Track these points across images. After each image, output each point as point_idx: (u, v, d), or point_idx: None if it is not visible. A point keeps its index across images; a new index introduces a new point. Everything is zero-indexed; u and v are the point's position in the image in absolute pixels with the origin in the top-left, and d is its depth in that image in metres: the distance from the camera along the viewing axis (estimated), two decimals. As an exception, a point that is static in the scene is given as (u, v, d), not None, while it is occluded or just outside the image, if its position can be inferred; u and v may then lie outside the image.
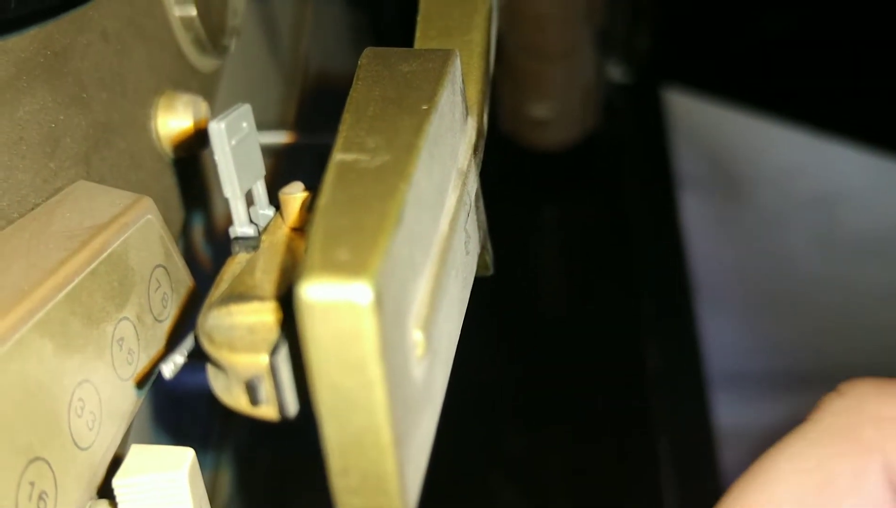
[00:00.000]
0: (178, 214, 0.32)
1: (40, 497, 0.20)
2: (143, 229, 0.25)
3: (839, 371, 0.72)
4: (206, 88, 0.35)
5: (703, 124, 0.80)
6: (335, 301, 0.16)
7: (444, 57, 0.24)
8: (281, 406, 0.18)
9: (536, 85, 0.73)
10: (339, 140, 0.20)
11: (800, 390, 0.73)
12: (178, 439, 0.38)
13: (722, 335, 0.73)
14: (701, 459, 0.66)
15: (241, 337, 0.19)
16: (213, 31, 0.34)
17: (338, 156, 0.19)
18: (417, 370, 0.19)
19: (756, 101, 0.78)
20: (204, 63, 0.35)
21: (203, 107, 0.32)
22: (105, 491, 0.23)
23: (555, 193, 0.80)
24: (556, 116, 0.74)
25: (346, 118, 0.21)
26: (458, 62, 0.24)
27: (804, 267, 0.76)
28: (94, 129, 0.27)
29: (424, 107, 0.21)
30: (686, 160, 0.79)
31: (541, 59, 0.72)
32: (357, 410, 0.16)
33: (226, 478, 0.43)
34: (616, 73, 0.81)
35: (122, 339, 0.24)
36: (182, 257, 0.28)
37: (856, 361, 0.73)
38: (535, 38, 0.72)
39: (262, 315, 0.19)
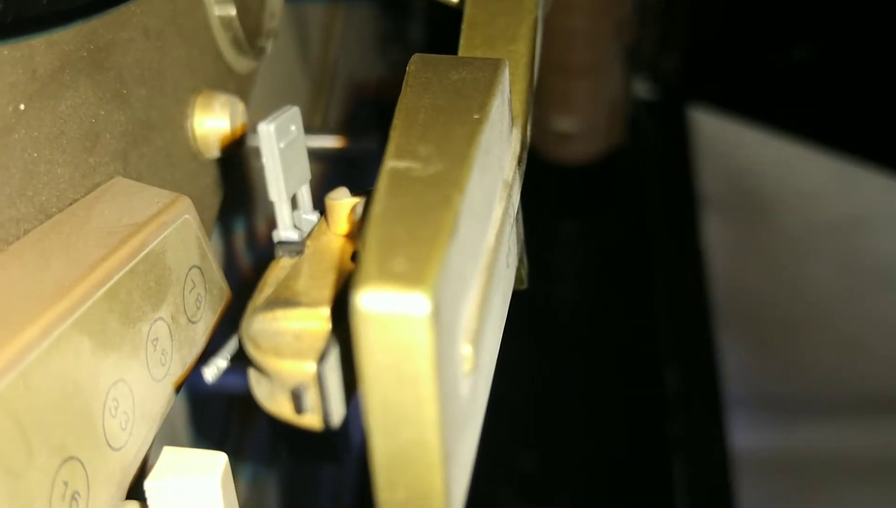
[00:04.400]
0: (211, 215, 0.32)
1: (73, 498, 0.20)
2: (180, 228, 0.25)
3: (858, 398, 0.71)
4: (242, 88, 0.35)
5: (727, 144, 0.79)
6: (392, 312, 0.15)
7: (494, 66, 0.23)
8: (326, 416, 0.18)
9: (562, 99, 0.73)
10: (391, 147, 0.19)
11: (817, 415, 0.72)
12: (197, 441, 0.38)
13: (740, 358, 0.72)
14: (716, 482, 0.66)
15: (288, 344, 0.18)
16: (250, 32, 0.34)
17: (390, 163, 0.19)
18: (464, 385, 0.18)
19: (781, 122, 0.77)
20: (240, 64, 0.34)
21: (240, 108, 0.32)
22: (135, 493, 0.23)
23: (576, 208, 0.79)
24: (580, 130, 0.74)
25: (397, 125, 0.20)
26: (507, 72, 0.24)
27: (825, 291, 0.76)
28: (133, 125, 0.27)
29: (476, 116, 0.21)
30: (709, 180, 0.78)
31: (568, 74, 0.72)
32: (408, 424, 0.16)
33: (242, 483, 0.42)
34: (642, 89, 0.80)
35: (156, 339, 0.24)
36: (216, 259, 0.27)
37: (875, 388, 0.73)
38: (563, 53, 0.71)
39: (310, 322, 0.19)
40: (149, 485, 0.21)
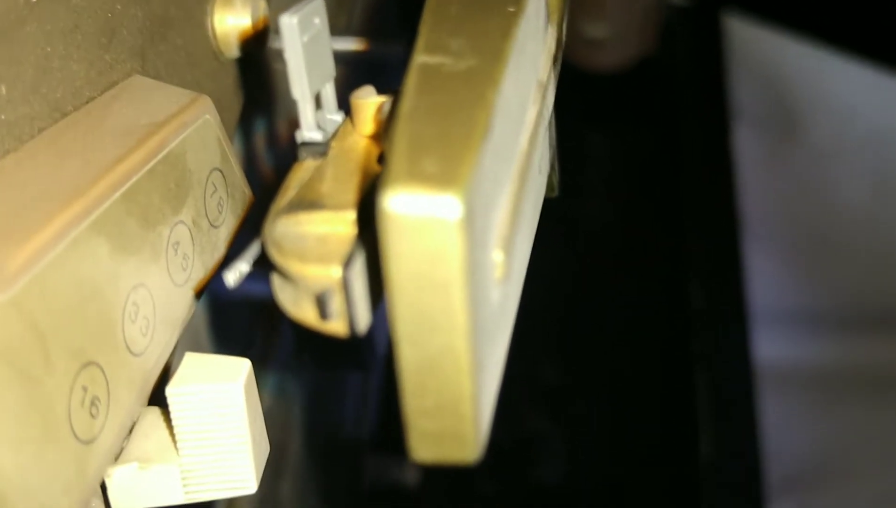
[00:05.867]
0: (232, 116, 0.31)
1: (92, 403, 0.19)
2: (200, 129, 0.24)
3: (885, 313, 0.70)
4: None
5: (762, 54, 0.77)
6: (422, 215, 0.14)
7: (530, -42, 0.22)
8: (352, 322, 0.17)
9: (593, 4, 0.70)
10: (421, 41, 0.18)
11: (843, 331, 0.72)
12: (221, 348, 0.38)
13: (768, 273, 0.71)
14: (739, 395, 0.66)
15: (312, 248, 0.17)
16: (273, -74, 0.33)
17: (420, 58, 0.18)
18: (495, 293, 0.17)
19: (819, 32, 0.75)
20: (262, -40, 0.33)
21: (261, 5, 0.30)
22: (156, 399, 0.22)
23: (606, 117, 0.77)
24: (611, 36, 0.71)
25: (427, 18, 0.19)
26: (543, -35, 0.23)
27: (855, 207, 0.74)
28: (151, 21, 0.26)
29: (511, 9, 0.20)
30: (742, 91, 0.76)
31: (599, -23, 0.69)
32: (437, 331, 0.15)
33: (267, 391, 0.42)
34: (676, -5, 0.78)
35: (177, 243, 0.23)
36: (238, 162, 0.27)
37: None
38: (594, -45, 0.69)
39: (335, 225, 0.18)
40: (170, 391, 0.21)
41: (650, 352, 0.67)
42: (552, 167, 0.27)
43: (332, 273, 0.17)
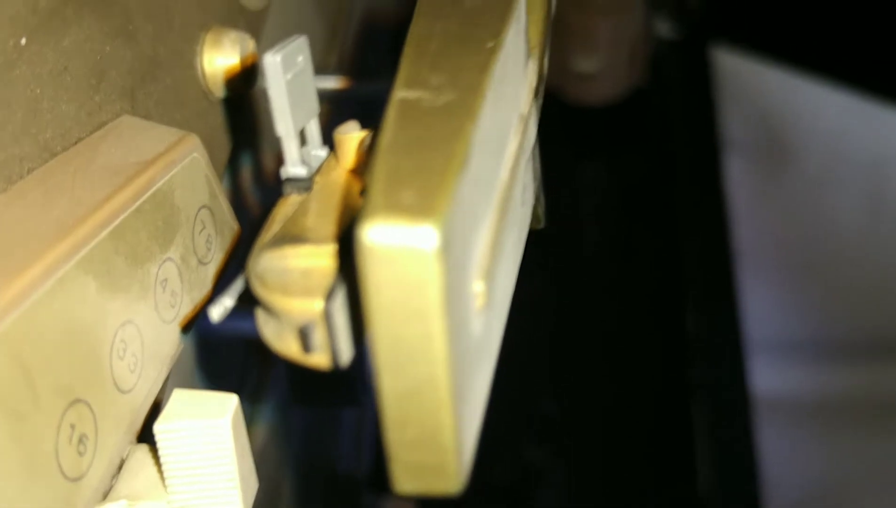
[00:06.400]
0: (222, 154, 0.31)
1: (80, 440, 0.20)
2: (188, 167, 0.24)
3: (881, 342, 0.70)
4: (253, 25, 0.34)
5: (751, 85, 0.78)
6: (399, 245, 0.15)
7: (509, -6, 0.23)
8: (334, 354, 0.17)
9: (583, 38, 0.71)
10: (401, 76, 0.19)
11: (840, 359, 0.72)
12: (213, 385, 0.38)
13: (763, 301, 0.72)
14: (737, 426, 0.66)
15: (295, 281, 0.18)
16: (261, -32, 0.33)
17: (400, 93, 0.18)
18: (476, 322, 0.18)
19: (807, 62, 0.76)
20: (251, 1, 0.34)
21: (250, 45, 0.31)
22: (145, 436, 0.22)
23: (597, 149, 0.78)
24: (601, 70, 0.72)
25: (408, 53, 0.20)
26: (523, 0, 0.23)
27: (849, 234, 0.75)
28: (140, 62, 0.26)
29: (490, 44, 0.20)
30: (733, 121, 0.77)
31: (588, 12, 0.70)
32: (417, 361, 0.15)
33: (261, 428, 0.42)
34: (665, 28, 0.79)
35: (165, 280, 0.23)
36: (227, 200, 0.27)
37: (899, 332, 0.72)
38: (583, -10, 0.70)
39: (318, 259, 0.18)
40: (158, 427, 0.21)
41: (647, 383, 0.67)
42: (537, 199, 0.27)
43: (314, 306, 0.17)
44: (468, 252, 0.17)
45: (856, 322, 0.72)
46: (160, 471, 0.22)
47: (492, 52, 0.20)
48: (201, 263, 0.25)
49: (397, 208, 0.15)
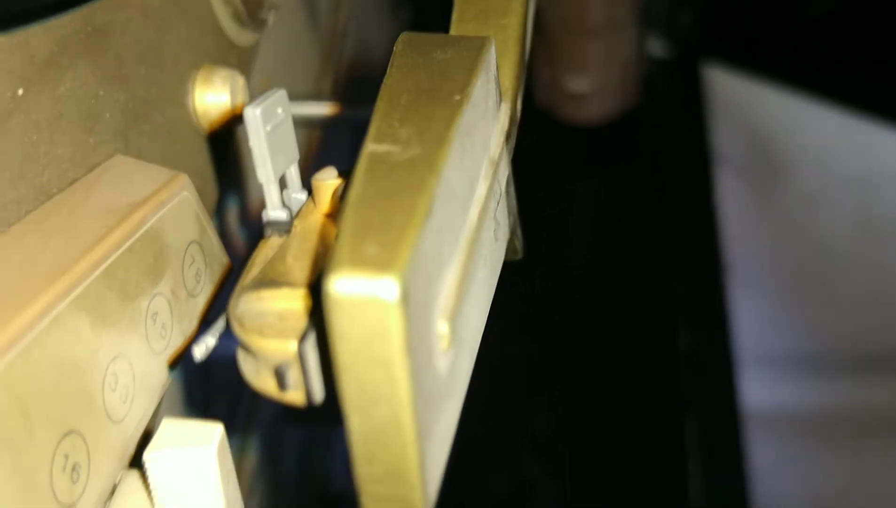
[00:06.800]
0: (214, 188, 0.32)
1: (74, 469, 0.21)
2: (178, 205, 0.26)
3: (871, 356, 0.71)
4: (244, 61, 0.36)
5: (742, 102, 0.79)
6: (362, 296, 0.16)
7: (480, 45, 0.24)
8: (308, 393, 0.18)
9: (575, 59, 0.73)
10: (372, 130, 0.20)
11: (830, 374, 0.73)
12: (205, 414, 0.39)
13: (753, 316, 0.73)
14: (727, 440, 0.67)
15: (271, 324, 0.19)
16: (251, 6, 0.35)
17: (370, 147, 0.19)
18: (442, 362, 0.19)
19: (797, 80, 0.77)
20: (242, 37, 0.35)
21: (240, 82, 0.32)
22: (137, 463, 0.24)
23: (590, 168, 0.79)
24: (593, 90, 0.73)
25: (380, 107, 0.21)
26: (493, 50, 0.24)
27: (839, 249, 0.76)
28: (133, 103, 0.28)
29: (457, 97, 0.21)
30: (724, 138, 0.78)
31: (580, 34, 0.71)
32: (381, 403, 0.17)
33: (252, 456, 0.43)
34: (657, 48, 0.80)
35: (156, 314, 0.25)
36: (216, 234, 0.28)
37: (888, 346, 0.73)
38: (576, 13, 0.71)
39: (293, 302, 0.19)
40: (147, 456, 0.22)
41: (638, 398, 0.68)
42: (514, 232, 0.28)
43: (288, 347, 0.18)
44: (432, 297, 0.18)
45: (846, 338, 0.73)
46: (150, 497, 0.23)
47: (459, 105, 0.21)
48: (191, 295, 0.26)
49: (361, 260, 0.16)
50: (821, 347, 0.73)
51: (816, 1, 0.77)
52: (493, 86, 0.24)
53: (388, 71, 0.23)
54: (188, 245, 0.26)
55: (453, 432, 0.20)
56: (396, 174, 0.19)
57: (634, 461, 0.66)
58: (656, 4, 0.77)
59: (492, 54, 0.24)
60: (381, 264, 0.16)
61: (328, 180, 0.22)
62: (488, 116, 0.24)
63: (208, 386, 0.39)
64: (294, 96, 0.46)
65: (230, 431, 0.44)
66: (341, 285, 0.16)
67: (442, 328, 0.19)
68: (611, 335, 0.71)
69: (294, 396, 0.19)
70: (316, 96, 0.53)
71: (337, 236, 0.17)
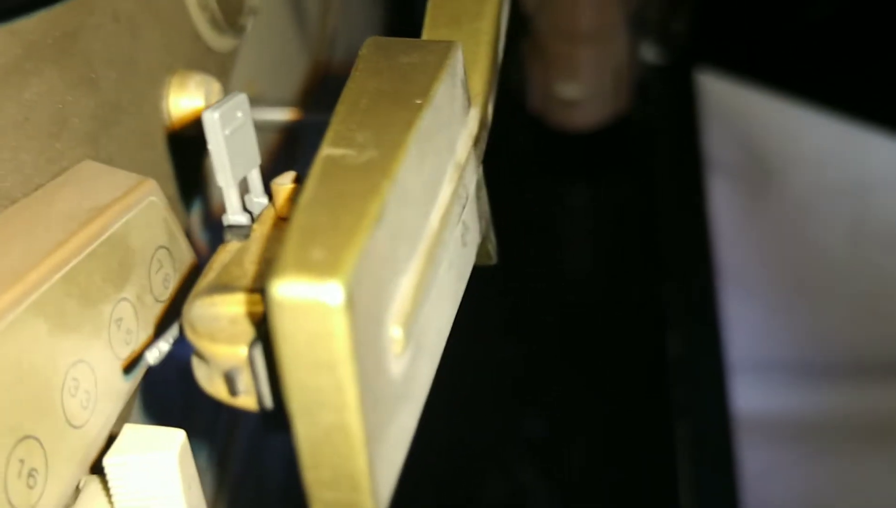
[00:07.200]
0: (189, 193, 0.32)
1: (30, 474, 0.21)
2: (145, 210, 0.26)
3: (864, 363, 0.71)
4: (223, 67, 0.36)
5: (736, 109, 0.79)
6: (306, 300, 0.16)
7: (445, 49, 0.24)
8: (259, 398, 0.18)
9: (567, 66, 0.72)
10: (329, 133, 0.20)
11: (823, 379, 0.72)
12: (187, 422, 0.39)
13: (745, 322, 0.72)
14: (718, 446, 0.66)
15: (223, 328, 0.19)
16: (229, 12, 0.35)
17: (325, 151, 0.19)
18: (396, 366, 0.19)
19: (791, 86, 0.77)
20: (220, 43, 0.35)
21: (215, 87, 0.32)
22: (100, 469, 0.23)
23: (583, 174, 0.79)
24: (586, 96, 0.73)
25: (339, 111, 0.21)
26: (459, 54, 0.24)
27: (833, 256, 0.75)
28: (103, 109, 0.28)
29: (418, 101, 0.21)
30: (717, 145, 0.78)
31: (572, 41, 0.71)
32: (327, 408, 0.17)
33: (236, 464, 0.43)
34: (650, 54, 0.80)
35: (120, 319, 0.24)
36: (186, 239, 0.28)
37: (881, 352, 0.72)
38: (567, 19, 0.71)
39: (245, 307, 0.19)
40: (108, 462, 0.22)
41: (629, 403, 0.68)
42: (486, 237, 0.28)
43: (239, 352, 0.18)
44: (384, 301, 0.18)
45: (838, 344, 0.73)
46: (112, 503, 0.23)
47: (419, 109, 0.21)
48: (158, 301, 0.26)
49: (306, 264, 0.16)
50: (813, 353, 0.73)
51: (814, 6, 0.77)
52: (459, 90, 0.24)
53: (351, 74, 0.22)
54: (155, 250, 0.26)
55: (410, 436, 0.20)
56: (350, 178, 0.18)
57: (625, 466, 0.66)
58: (649, 10, 0.77)
59: (458, 59, 0.24)
60: (325, 267, 0.16)
61: (285, 184, 0.22)
62: (454, 120, 0.24)
63: (190, 393, 0.39)
64: (280, 102, 0.46)
65: (213, 438, 0.44)
66: (284, 290, 0.16)
67: (395, 332, 0.19)
68: (603, 340, 0.71)
69: (245, 401, 0.19)
70: (303, 101, 0.53)
71: (284, 240, 0.17)
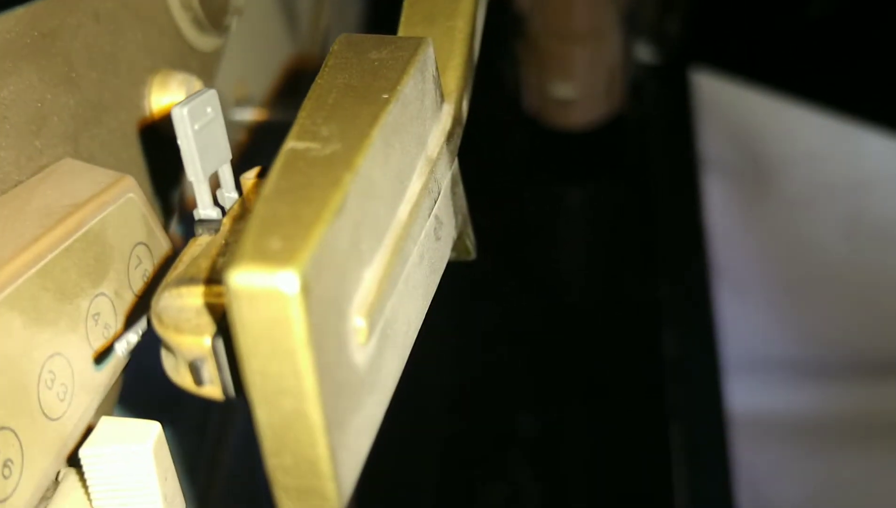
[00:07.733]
0: (170, 191, 0.33)
1: (5, 465, 0.21)
2: (123, 207, 0.26)
3: (861, 362, 0.71)
4: (207, 66, 0.36)
5: (730, 107, 0.79)
6: (262, 289, 0.16)
7: (415, 45, 0.24)
8: (224, 387, 0.19)
9: (561, 65, 0.73)
10: (295, 127, 0.20)
11: (818, 378, 0.72)
12: (176, 418, 0.39)
13: (741, 321, 0.73)
14: (713, 445, 0.66)
15: (188, 319, 0.19)
16: (212, 11, 0.35)
17: (289, 144, 0.20)
18: (360, 356, 0.19)
19: (785, 84, 0.77)
20: (203, 42, 0.35)
21: (197, 85, 0.32)
22: (77, 460, 0.24)
23: (578, 173, 0.79)
24: (580, 96, 0.74)
25: (306, 105, 0.21)
26: (430, 50, 0.24)
27: (829, 254, 0.75)
28: (83, 107, 0.28)
29: (385, 96, 0.21)
30: (712, 143, 0.78)
31: (566, 40, 0.72)
32: (286, 395, 0.17)
33: (227, 460, 0.44)
34: (644, 53, 0.80)
35: (98, 314, 0.25)
36: (167, 235, 0.28)
37: (878, 351, 0.72)
38: (561, 19, 0.71)
39: (210, 298, 0.19)
40: (83, 452, 0.22)
41: (625, 403, 0.68)
42: (464, 232, 0.29)
43: (203, 342, 0.19)
44: (346, 291, 0.18)
45: (834, 342, 0.73)
46: (89, 494, 0.23)
47: (386, 103, 0.21)
48: (137, 296, 0.27)
49: (263, 254, 0.16)
50: (809, 352, 0.73)
51: (807, 5, 0.77)
52: (430, 86, 0.25)
53: (321, 70, 0.23)
54: (134, 247, 0.27)
55: (377, 425, 0.20)
56: (312, 171, 0.19)
57: (620, 466, 0.66)
58: (643, 10, 0.77)
59: (429, 54, 0.24)
60: (282, 257, 0.16)
61: (252, 178, 0.22)
62: (424, 115, 0.24)
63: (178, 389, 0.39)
64: (269, 100, 0.46)
65: (204, 435, 0.44)
66: (242, 278, 0.16)
67: (359, 322, 0.19)
68: (598, 340, 0.71)
69: (210, 391, 0.19)
70: (295, 101, 0.54)
71: (244, 230, 0.17)
